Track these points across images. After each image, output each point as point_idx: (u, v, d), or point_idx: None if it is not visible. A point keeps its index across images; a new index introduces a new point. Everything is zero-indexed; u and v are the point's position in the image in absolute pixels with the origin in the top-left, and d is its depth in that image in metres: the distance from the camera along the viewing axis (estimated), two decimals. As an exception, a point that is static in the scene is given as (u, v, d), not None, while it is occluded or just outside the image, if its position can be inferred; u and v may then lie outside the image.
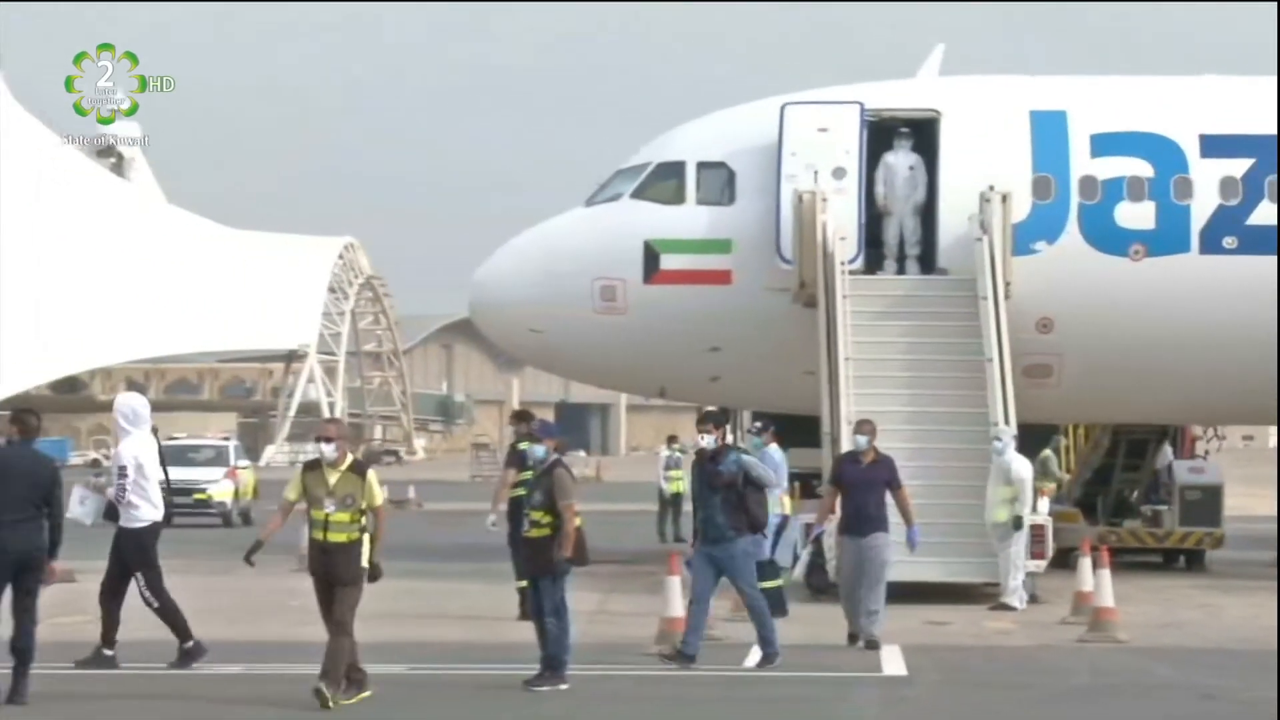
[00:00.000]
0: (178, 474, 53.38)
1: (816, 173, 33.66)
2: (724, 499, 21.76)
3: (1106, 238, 34.60)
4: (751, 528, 21.99)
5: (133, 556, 21.48)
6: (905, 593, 28.65)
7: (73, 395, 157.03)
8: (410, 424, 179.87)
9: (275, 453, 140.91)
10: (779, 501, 28.58)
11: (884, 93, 35.87)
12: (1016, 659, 23.32)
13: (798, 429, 33.46)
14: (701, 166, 35.35)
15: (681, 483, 45.60)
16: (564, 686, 19.62)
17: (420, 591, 29.35)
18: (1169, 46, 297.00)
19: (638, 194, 35.53)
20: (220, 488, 50.81)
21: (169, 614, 21.47)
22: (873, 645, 23.13)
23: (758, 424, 35.68)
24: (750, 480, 22.06)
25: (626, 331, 35.53)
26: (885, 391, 31.52)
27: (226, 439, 61.84)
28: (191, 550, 36.87)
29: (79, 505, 22.61)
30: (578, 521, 19.80)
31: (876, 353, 32.08)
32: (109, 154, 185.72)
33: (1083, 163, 34.83)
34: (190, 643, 21.30)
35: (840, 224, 33.19)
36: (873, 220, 34.30)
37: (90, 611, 22.20)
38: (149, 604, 21.60)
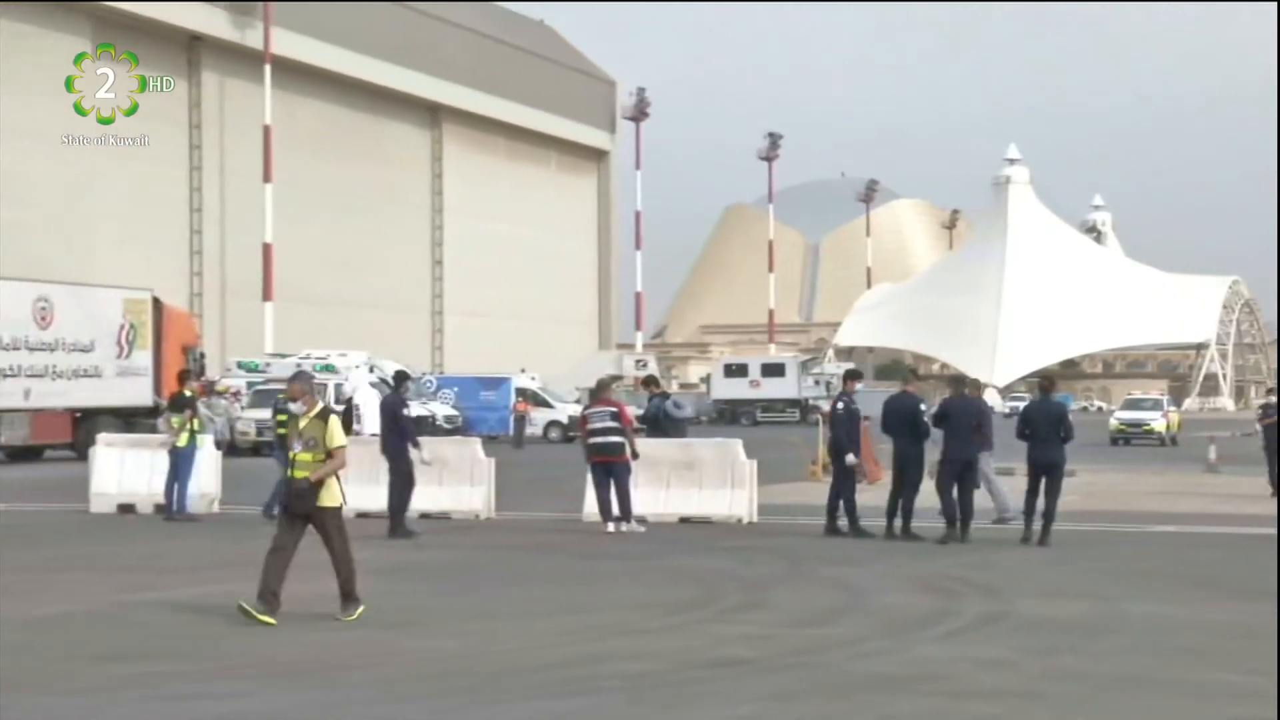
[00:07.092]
0: (1135, 416, 53.70)
1: None
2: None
3: None
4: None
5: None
6: None
7: (1071, 369, 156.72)
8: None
9: (1190, 403, 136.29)
10: None
11: None
12: None
13: None
14: None
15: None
16: None
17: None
18: None
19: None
20: (1158, 423, 50.54)
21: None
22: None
23: None
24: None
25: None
26: None
27: (1162, 395, 61.36)
28: (1136, 459, 36.96)
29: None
30: None
31: None
32: (1091, 231, 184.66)
33: None
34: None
35: None
36: None
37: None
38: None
